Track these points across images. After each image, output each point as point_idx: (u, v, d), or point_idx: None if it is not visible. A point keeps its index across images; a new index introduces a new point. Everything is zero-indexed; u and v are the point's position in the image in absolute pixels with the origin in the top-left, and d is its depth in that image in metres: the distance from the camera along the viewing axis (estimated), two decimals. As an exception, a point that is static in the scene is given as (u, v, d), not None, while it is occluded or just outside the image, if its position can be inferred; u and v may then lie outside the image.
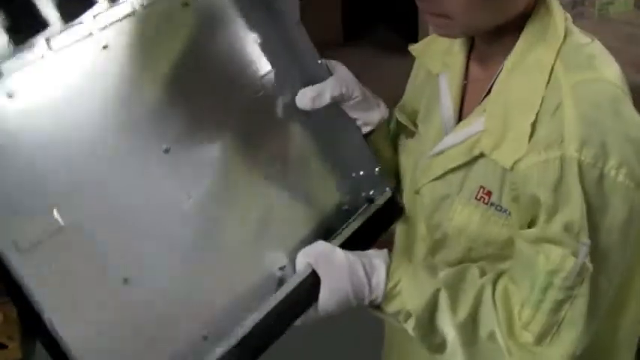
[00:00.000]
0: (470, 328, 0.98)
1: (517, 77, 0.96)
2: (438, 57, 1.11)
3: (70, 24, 0.82)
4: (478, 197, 1.00)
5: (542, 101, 0.93)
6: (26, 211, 0.77)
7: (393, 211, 1.12)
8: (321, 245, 1.00)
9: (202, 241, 0.92)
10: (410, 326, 0.99)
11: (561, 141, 0.89)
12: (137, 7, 0.88)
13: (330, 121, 1.05)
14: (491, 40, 0.98)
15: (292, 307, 0.96)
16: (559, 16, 0.97)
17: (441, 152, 1.04)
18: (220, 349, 0.88)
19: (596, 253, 0.91)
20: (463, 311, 0.96)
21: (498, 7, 0.93)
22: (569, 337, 0.94)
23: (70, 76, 0.83)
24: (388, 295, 0.99)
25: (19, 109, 0.78)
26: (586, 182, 0.89)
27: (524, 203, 0.94)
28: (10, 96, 0.77)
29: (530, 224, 0.94)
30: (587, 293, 0.92)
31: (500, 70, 0.98)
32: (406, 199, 1.13)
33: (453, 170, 1.02)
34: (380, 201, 1.11)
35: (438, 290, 0.98)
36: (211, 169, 0.94)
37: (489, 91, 1.00)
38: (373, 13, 3.90)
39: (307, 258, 0.99)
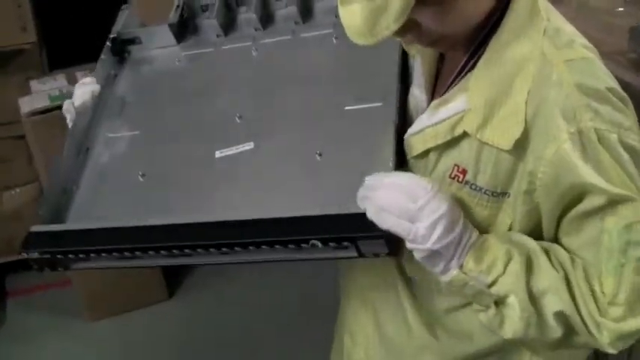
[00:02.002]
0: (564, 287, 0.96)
1: (504, 56, 0.97)
2: None
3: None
4: (452, 176, 1.01)
5: (532, 79, 0.94)
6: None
7: None
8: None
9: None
10: (514, 266, 0.97)
11: (573, 115, 0.91)
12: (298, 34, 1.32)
13: None
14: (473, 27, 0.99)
15: None
16: None
17: (421, 131, 1.04)
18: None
19: None
20: (559, 269, 0.96)
21: (482, 1, 0.96)
22: None
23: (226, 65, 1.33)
24: (480, 251, 0.97)
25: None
26: (608, 147, 0.91)
27: (563, 192, 0.94)
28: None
29: (569, 207, 0.95)
30: None
31: (484, 51, 0.98)
32: None
33: (431, 149, 1.03)
34: None
35: (532, 246, 0.98)
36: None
37: (469, 69, 1.01)
38: None
39: (427, 181, 0.96)
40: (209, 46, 1.38)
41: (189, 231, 1.05)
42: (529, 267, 0.97)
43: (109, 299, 2.85)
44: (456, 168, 1.01)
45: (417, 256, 0.97)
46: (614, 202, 0.92)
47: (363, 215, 0.96)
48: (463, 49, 1.02)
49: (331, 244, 0.98)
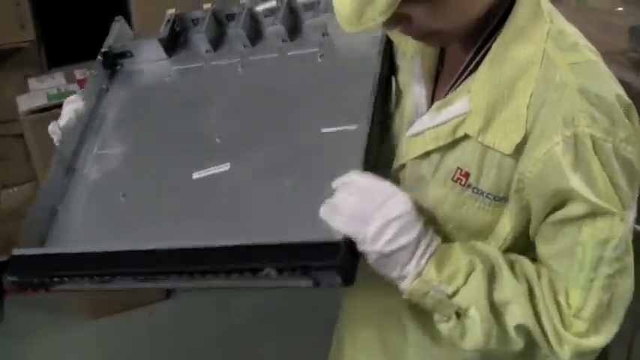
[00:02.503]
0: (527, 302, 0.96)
1: (506, 58, 0.96)
2: (411, 39, 1.10)
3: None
4: (454, 179, 1.00)
5: (536, 82, 0.94)
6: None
7: None
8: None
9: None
10: (476, 277, 0.95)
11: (572, 119, 0.90)
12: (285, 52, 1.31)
13: None
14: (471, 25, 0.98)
15: None
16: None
17: (421, 132, 1.04)
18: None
19: None
20: (522, 281, 0.96)
21: (472, 3, 0.95)
22: (619, 315, 0.94)
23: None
24: (442, 259, 0.97)
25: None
26: (601, 155, 0.90)
27: (546, 193, 0.94)
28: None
29: (553, 210, 0.95)
30: (632, 263, 0.93)
31: (486, 52, 0.98)
32: (392, 177, 1.12)
33: (432, 151, 1.02)
34: None
35: (495, 257, 1.00)
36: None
37: (471, 71, 1.00)
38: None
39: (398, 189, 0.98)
40: (198, 61, 1.39)
41: (150, 257, 1.08)
42: (491, 279, 0.97)
43: (107, 298, 2.85)
44: (459, 171, 1.01)
45: (369, 260, 0.96)
46: (593, 214, 0.92)
47: (316, 245, 0.96)
48: (462, 48, 1.02)
49: (285, 273, 0.97)
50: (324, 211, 0.97)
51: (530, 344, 0.97)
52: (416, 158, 1.05)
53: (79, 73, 2.75)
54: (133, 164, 1.30)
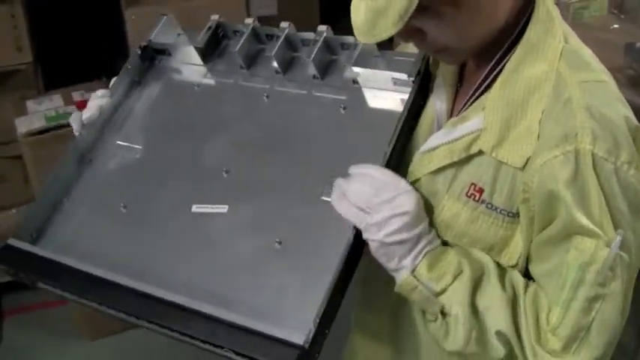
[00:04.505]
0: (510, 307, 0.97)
1: (520, 76, 0.97)
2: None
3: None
4: (468, 194, 1.01)
5: (548, 99, 0.95)
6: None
7: None
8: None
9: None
10: (463, 279, 0.98)
11: (575, 134, 0.91)
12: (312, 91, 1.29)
13: None
14: (487, 42, 0.99)
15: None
16: (559, 17, 1.00)
17: (436, 148, 1.05)
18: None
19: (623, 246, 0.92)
20: (509, 289, 0.98)
21: (486, 19, 0.96)
22: (600, 342, 0.93)
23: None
24: (435, 259, 1.00)
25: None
26: (601, 175, 0.91)
27: (543, 202, 0.94)
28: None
29: (548, 225, 0.95)
30: (621, 292, 0.92)
31: (501, 69, 0.99)
32: None
33: (447, 167, 1.03)
34: None
35: (486, 264, 1.01)
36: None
37: (486, 89, 1.02)
38: None
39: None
40: (230, 77, 1.38)
41: (120, 295, 1.14)
42: (477, 283, 0.99)
43: (107, 317, 2.83)
44: (472, 186, 1.01)
45: (371, 248, 0.99)
46: (580, 234, 0.92)
47: (275, 341, 0.97)
48: (478, 65, 1.04)
49: (243, 357, 0.99)
50: (333, 195, 1.02)
51: (511, 355, 0.98)
52: (430, 173, 1.06)
53: (76, 95, 2.75)
54: (142, 173, 1.31)
